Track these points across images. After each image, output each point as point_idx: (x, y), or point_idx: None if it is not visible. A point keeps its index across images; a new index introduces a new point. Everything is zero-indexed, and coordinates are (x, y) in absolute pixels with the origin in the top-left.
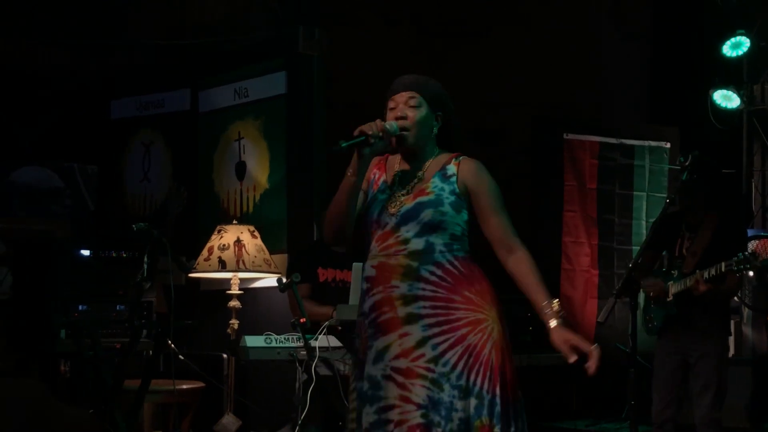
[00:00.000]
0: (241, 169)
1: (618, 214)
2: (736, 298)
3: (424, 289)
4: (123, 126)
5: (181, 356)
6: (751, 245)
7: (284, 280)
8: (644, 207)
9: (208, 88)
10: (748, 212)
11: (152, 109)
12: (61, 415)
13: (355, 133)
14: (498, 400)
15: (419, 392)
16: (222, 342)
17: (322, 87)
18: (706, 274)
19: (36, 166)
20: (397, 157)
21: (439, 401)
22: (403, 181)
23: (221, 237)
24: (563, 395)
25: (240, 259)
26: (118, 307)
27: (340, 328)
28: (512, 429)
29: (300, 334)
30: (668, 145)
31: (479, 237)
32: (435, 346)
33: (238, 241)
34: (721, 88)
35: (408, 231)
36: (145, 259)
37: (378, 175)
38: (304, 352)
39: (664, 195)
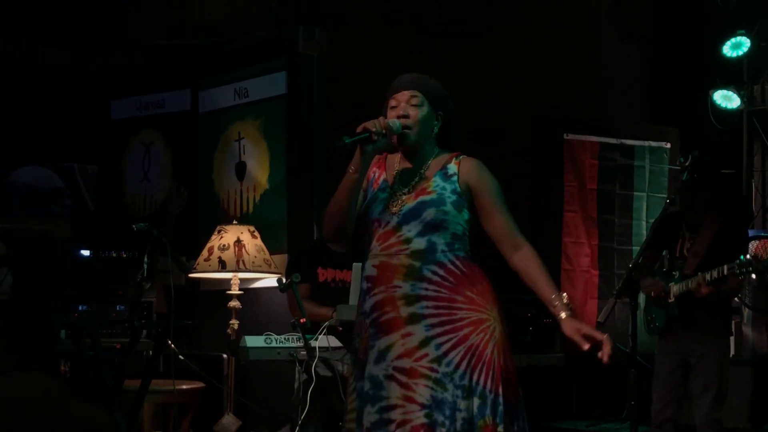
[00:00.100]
0: (241, 170)
1: (618, 215)
2: (736, 298)
3: (426, 289)
4: (123, 126)
5: (181, 356)
6: (752, 246)
7: (284, 280)
8: (644, 207)
9: (208, 88)
10: (748, 213)
11: (152, 109)
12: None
13: (359, 129)
14: (501, 399)
15: (423, 392)
16: (222, 342)
17: (322, 87)
18: (708, 277)
19: (36, 166)
20: (397, 156)
21: (443, 401)
22: (403, 179)
23: (221, 237)
24: (563, 395)
25: (240, 260)
26: (118, 308)
27: (340, 328)
28: (514, 428)
29: (300, 335)
30: (668, 146)
31: (479, 237)
32: (438, 346)
33: (238, 242)
34: (721, 88)
35: (410, 230)
36: (145, 259)
37: (378, 173)
38: (304, 353)
39: (665, 195)
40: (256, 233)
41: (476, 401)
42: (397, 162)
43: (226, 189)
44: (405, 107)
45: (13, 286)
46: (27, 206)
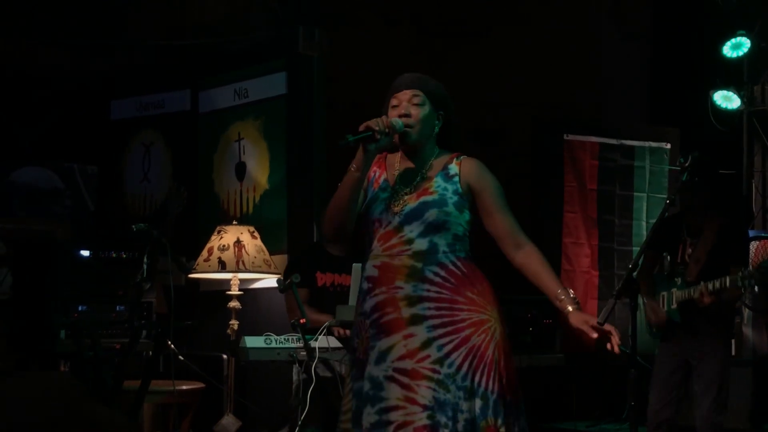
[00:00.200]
0: (241, 170)
1: (618, 215)
2: None
3: (428, 291)
4: (123, 126)
5: (180, 357)
6: (752, 246)
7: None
8: (644, 208)
9: (208, 89)
10: (748, 213)
11: (152, 110)
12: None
13: (362, 128)
14: (502, 400)
15: (425, 393)
16: (222, 342)
17: (322, 87)
18: (710, 287)
19: (36, 167)
20: (397, 156)
21: (445, 402)
22: (405, 179)
23: (221, 237)
24: (563, 396)
25: (240, 260)
26: (117, 308)
27: (342, 331)
28: (516, 429)
29: (300, 335)
30: (668, 146)
31: (480, 237)
32: (440, 347)
33: (237, 242)
34: (721, 88)
35: (412, 231)
36: (145, 260)
37: (378, 173)
38: (304, 353)
39: (665, 196)
40: (256, 234)
41: (478, 402)
42: (397, 162)
43: (226, 189)
44: (406, 106)
45: (13, 287)
46: (27, 206)
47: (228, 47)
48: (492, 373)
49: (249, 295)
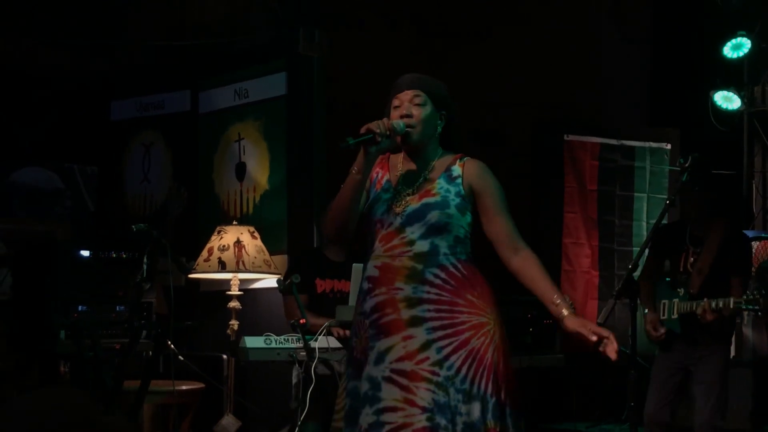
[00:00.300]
0: (241, 170)
1: (618, 216)
2: None
3: (428, 292)
4: (123, 127)
5: (180, 357)
6: (752, 247)
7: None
8: (645, 208)
9: (208, 89)
10: (748, 214)
11: (152, 110)
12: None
13: (362, 130)
14: (501, 404)
15: (424, 395)
16: (222, 343)
17: (323, 88)
18: (713, 305)
19: (36, 167)
20: (400, 156)
21: (445, 405)
22: (407, 180)
23: (221, 238)
24: (563, 397)
25: (240, 260)
26: (117, 308)
27: (342, 332)
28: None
29: (300, 335)
30: (669, 147)
31: (480, 238)
32: (440, 350)
33: (237, 242)
34: (721, 89)
35: (413, 232)
36: (145, 260)
37: (381, 174)
38: (304, 353)
39: (665, 196)
40: (256, 234)
41: (477, 405)
42: (400, 162)
43: (226, 190)
44: (408, 106)
45: (13, 287)
46: (27, 207)
47: (228, 47)
48: (491, 377)
49: (249, 295)
